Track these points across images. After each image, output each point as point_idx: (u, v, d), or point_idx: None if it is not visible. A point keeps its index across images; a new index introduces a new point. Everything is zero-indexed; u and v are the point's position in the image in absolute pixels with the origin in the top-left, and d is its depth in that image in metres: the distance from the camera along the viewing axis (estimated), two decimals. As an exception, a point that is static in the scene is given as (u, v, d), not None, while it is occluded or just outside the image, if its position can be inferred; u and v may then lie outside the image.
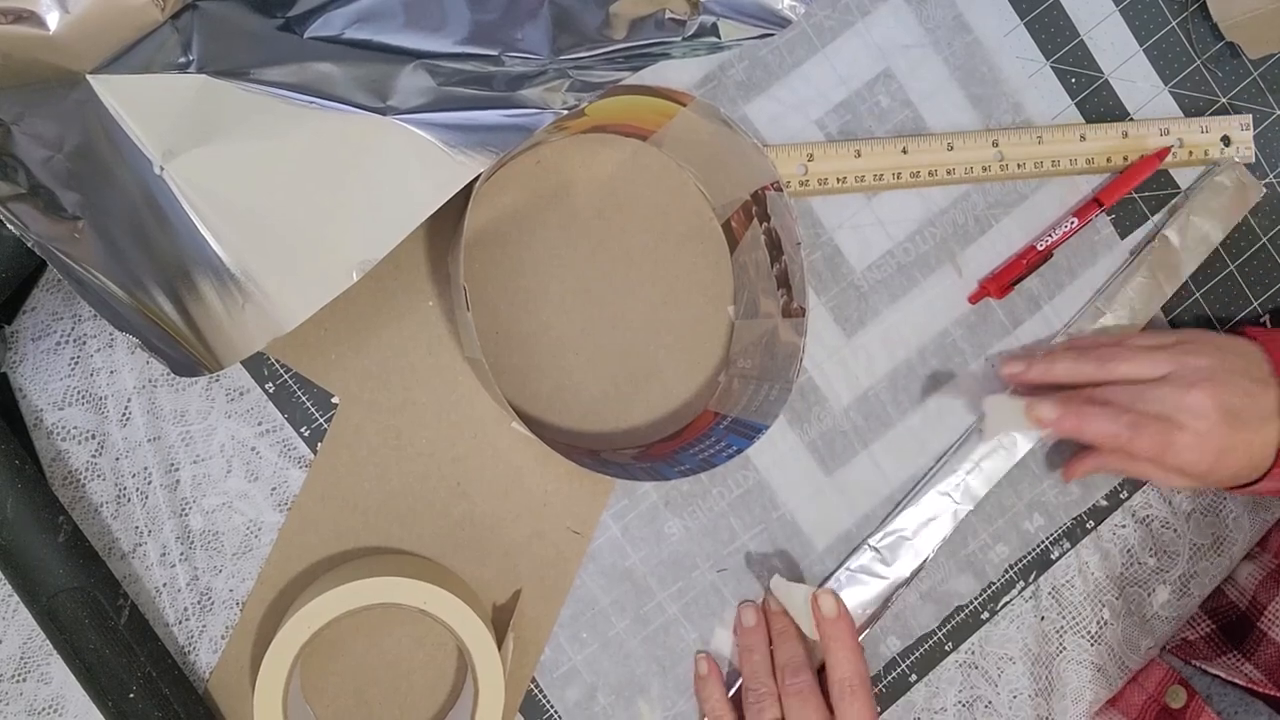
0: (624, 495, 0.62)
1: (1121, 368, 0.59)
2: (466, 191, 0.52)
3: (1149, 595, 0.67)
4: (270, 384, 0.59)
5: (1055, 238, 0.65)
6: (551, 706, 0.61)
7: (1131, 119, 0.67)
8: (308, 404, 0.59)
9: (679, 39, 0.54)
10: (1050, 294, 0.66)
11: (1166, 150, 0.66)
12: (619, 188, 0.62)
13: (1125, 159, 0.66)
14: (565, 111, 0.52)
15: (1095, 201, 0.65)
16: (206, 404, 0.58)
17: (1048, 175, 0.66)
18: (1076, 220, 0.65)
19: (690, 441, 0.60)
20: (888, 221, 0.65)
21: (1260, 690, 0.61)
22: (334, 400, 0.59)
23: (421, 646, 0.60)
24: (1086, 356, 0.60)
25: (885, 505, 0.64)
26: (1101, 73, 0.67)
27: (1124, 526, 0.67)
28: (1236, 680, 0.62)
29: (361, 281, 0.50)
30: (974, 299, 0.65)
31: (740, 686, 0.61)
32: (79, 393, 0.57)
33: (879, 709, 0.64)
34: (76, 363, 0.57)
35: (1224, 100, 0.68)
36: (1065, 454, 0.66)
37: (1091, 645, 0.66)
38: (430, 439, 0.60)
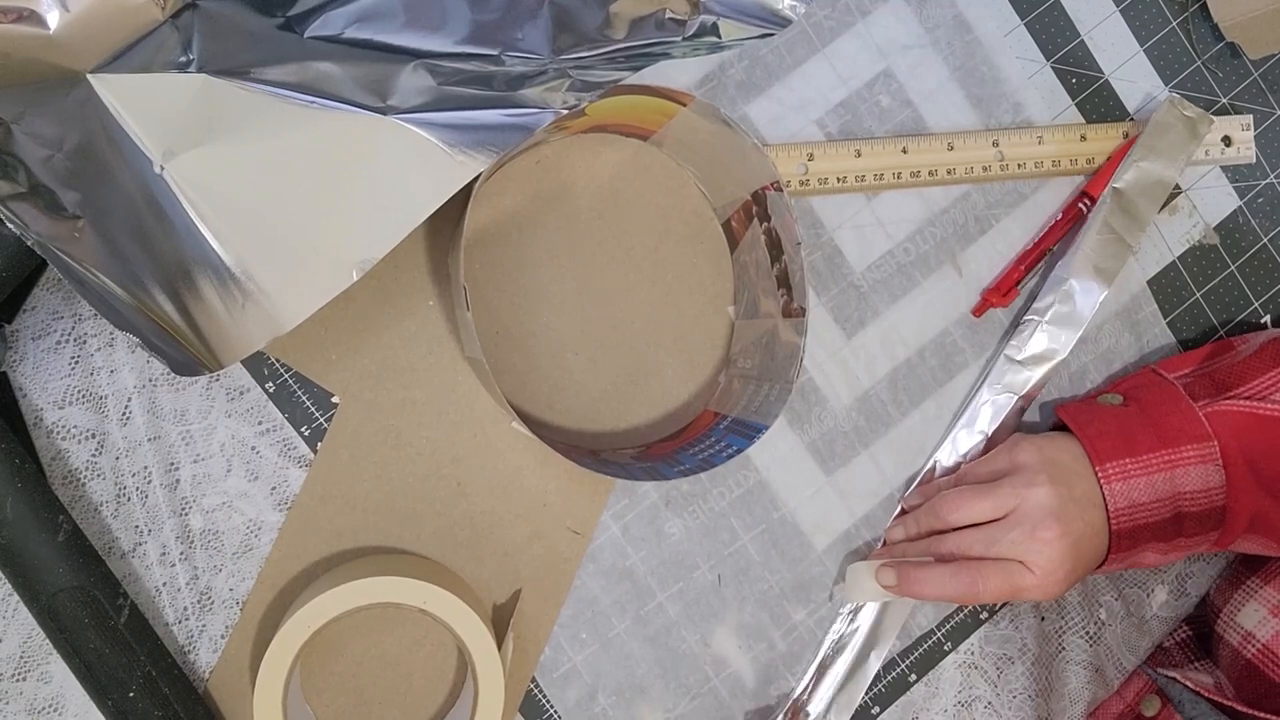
0: (624, 495, 0.62)
1: (961, 514, 0.59)
2: (466, 191, 0.52)
3: (1148, 596, 0.67)
4: (270, 383, 0.59)
5: (1044, 233, 0.65)
6: (551, 707, 0.61)
7: (1132, 119, 0.67)
8: (308, 403, 0.59)
9: (679, 39, 0.54)
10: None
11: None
12: (619, 188, 0.62)
13: (1125, 159, 0.66)
14: (565, 111, 0.52)
15: (1084, 194, 0.65)
16: (206, 403, 0.58)
17: (1048, 175, 0.66)
18: (1063, 215, 0.65)
19: (690, 441, 0.60)
20: (888, 221, 0.65)
21: (1210, 696, 0.62)
22: (334, 400, 0.59)
23: (421, 646, 0.60)
24: (932, 510, 0.60)
25: (885, 506, 0.64)
26: (1102, 73, 0.67)
27: (1124, 527, 0.67)
28: (1189, 684, 0.62)
29: (361, 281, 0.50)
30: (978, 312, 0.65)
31: None
32: (79, 392, 0.57)
33: (877, 709, 0.64)
34: (76, 362, 0.57)
35: (1224, 100, 0.68)
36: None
37: (1090, 646, 0.66)
38: (430, 439, 0.60)
